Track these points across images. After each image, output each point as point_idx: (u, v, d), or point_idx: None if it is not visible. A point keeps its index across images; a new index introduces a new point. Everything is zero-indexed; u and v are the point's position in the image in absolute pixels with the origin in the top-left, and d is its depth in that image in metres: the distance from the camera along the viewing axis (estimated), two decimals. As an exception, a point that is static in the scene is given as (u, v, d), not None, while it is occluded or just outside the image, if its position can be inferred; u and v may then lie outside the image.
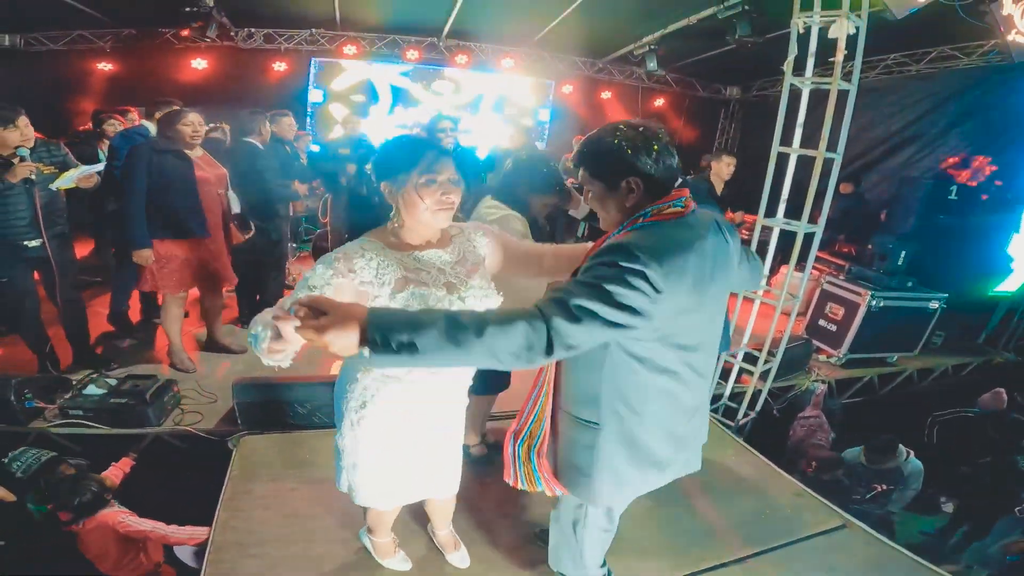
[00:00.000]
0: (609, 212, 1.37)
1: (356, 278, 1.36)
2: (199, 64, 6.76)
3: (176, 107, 3.58)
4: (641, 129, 1.32)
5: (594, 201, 1.40)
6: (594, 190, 1.38)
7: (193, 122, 3.07)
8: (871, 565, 2.31)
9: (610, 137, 1.32)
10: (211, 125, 4.46)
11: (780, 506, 2.64)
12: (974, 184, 5.38)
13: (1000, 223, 5.16)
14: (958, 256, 5.21)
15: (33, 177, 2.82)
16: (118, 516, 2.33)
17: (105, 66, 6.46)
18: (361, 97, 7.77)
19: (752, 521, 2.51)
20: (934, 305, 4.53)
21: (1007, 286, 5.27)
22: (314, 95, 7.56)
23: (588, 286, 1.14)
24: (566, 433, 1.50)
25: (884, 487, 3.44)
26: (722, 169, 4.45)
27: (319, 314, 1.00)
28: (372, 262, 1.39)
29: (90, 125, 5.13)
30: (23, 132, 2.79)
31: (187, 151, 3.09)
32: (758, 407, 3.69)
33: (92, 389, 2.92)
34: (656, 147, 1.30)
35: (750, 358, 3.63)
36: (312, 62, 7.34)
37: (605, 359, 1.33)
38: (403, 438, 1.62)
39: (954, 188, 5.35)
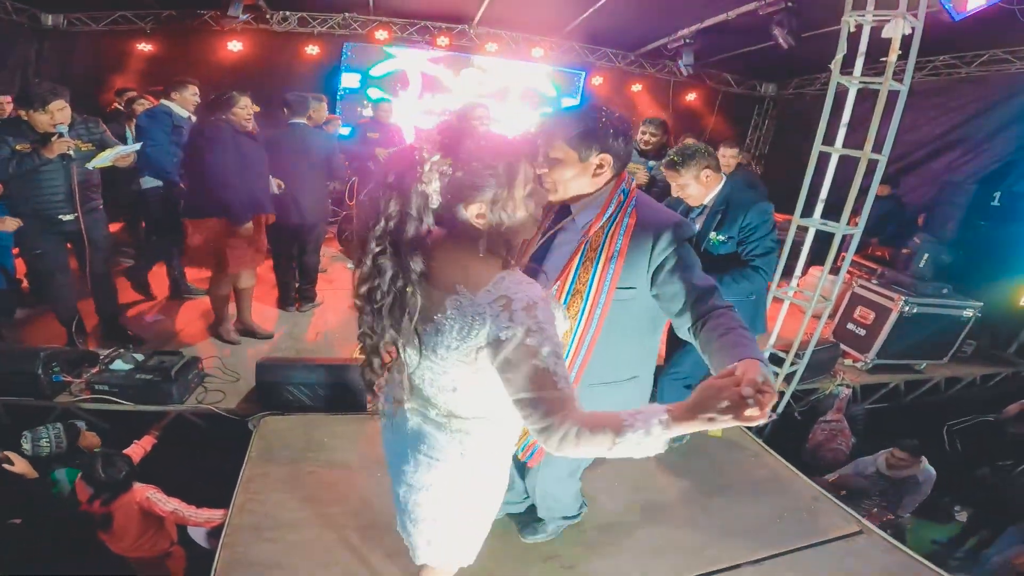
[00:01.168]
0: (570, 182, 1.45)
1: None
2: (235, 46, 6.80)
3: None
4: (618, 115, 1.45)
5: (558, 170, 1.43)
6: (566, 159, 1.43)
7: (246, 106, 3.19)
8: (887, 573, 2.26)
9: (596, 114, 1.42)
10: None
11: (797, 509, 2.59)
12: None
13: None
14: (996, 264, 5.02)
15: (71, 153, 2.89)
16: (146, 492, 2.34)
17: (145, 47, 6.54)
18: (391, 82, 7.75)
19: (768, 523, 2.46)
20: (969, 313, 4.37)
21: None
22: (349, 79, 7.54)
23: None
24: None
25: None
26: (728, 162, 4.29)
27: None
28: None
29: (115, 104, 5.20)
30: (54, 116, 2.84)
31: None
32: (780, 409, 3.61)
33: (119, 364, 2.95)
34: (629, 134, 1.46)
35: (775, 359, 3.54)
36: (345, 46, 7.34)
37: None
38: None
39: (998, 194, 5.13)
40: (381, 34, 7.13)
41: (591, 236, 1.47)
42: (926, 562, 2.29)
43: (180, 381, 2.88)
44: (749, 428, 3.41)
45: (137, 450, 2.60)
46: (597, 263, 1.45)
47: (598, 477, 2.55)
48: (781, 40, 5.02)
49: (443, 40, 7.28)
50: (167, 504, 2.37)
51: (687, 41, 6.42)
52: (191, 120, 3.75)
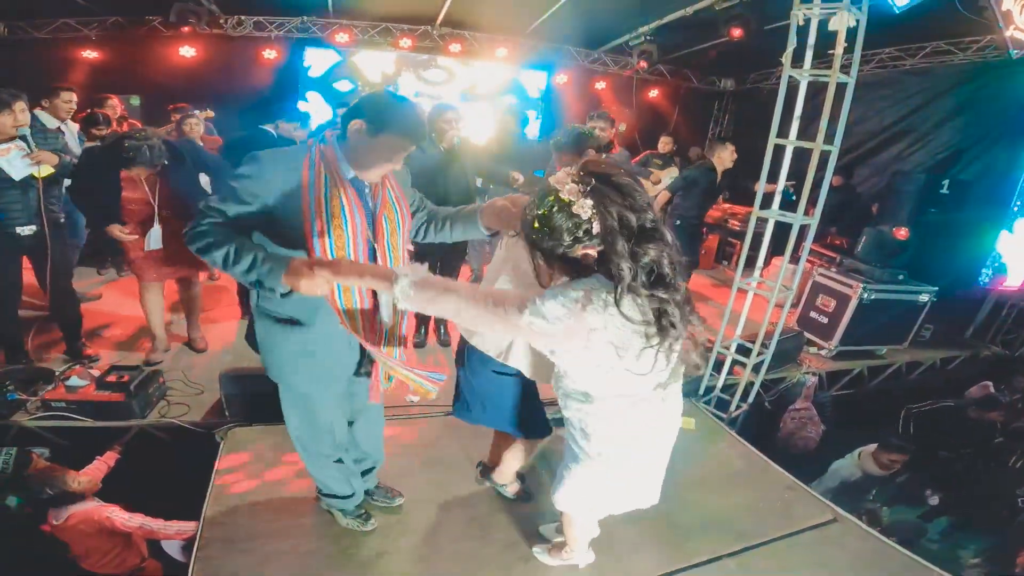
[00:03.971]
0: None
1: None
2: (187, 52, 6.61)
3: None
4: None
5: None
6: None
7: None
8: (863, 559, 2.32)
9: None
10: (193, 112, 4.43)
11: (772, 499, 2.65)
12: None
13: (990, 219, 5.18)
14: (948, 250, 5.25)
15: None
16: (104, 511, 2.31)
17: (90, 54, 6.32)
18: (349, 85, 7.65)
19: (745, 514, 2.51)
20: (924, 298, 4.55)
21: (1009, 284, 5.28)
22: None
23: None
24: None
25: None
26: (725, 158, 4.44)
27: None
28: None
29: None
30: (18, 117, 2.82)
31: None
32: (750, 399, 3.70)
33: (75, 380, 2.85)
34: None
35: (743, 350, 3.63)
36: (304, 50, 7.21)
37: None
38: (630, 463, 1.63)
39: (946, 183, 5.37)
40: (342, 37, 7.03)
41: None
42: (900, 548, 2.37)
43: (140, 395, 2.81)
44: (722, 420, 3.49)
45: (100, 466, 2.54)
46: None
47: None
48: (733, 33, 5.18)
49: (406, 42, 7.22)
50: (131, 520, 2.33)
51: (648, 38, 6.53)
52: (60, 129, 3.66)
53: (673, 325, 1.28)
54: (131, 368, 2.96)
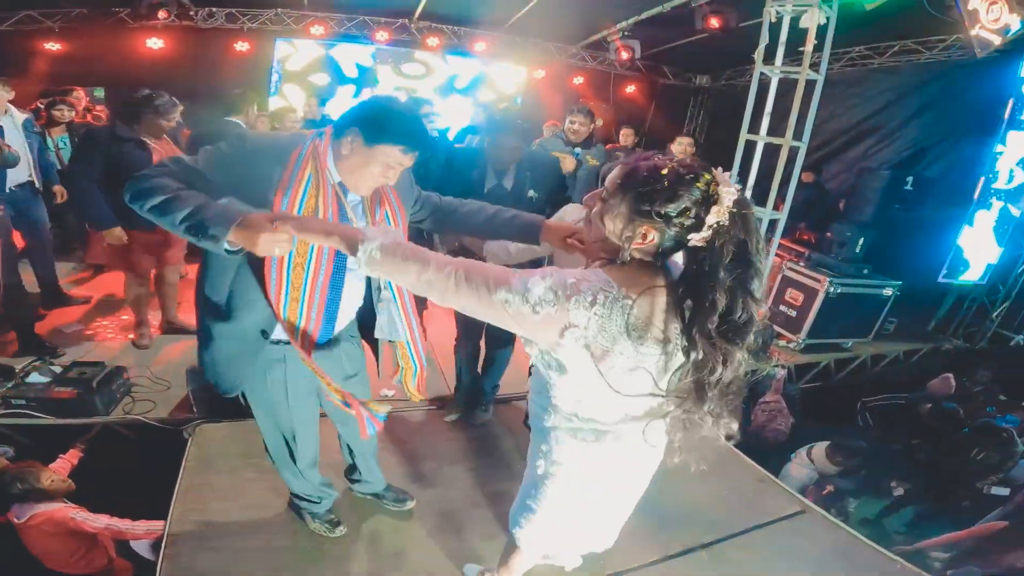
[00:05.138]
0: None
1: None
2: (154, 44, 6.43)
3: None
4: None
5: None
6: None
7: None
8: (831, 550, 2.38)
9: None
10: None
11: (743, 491, 2.70)
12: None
13: (952, 215, 5.34)
14: (911, 245, 5.40)
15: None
16: (68, 512, 2.25)
17: (54, 46, 6.10)
18: (326, 78, 7.52)
19: (717, 506, 2.54)
20: (887, 292, 4.68)
21: (968, 276, 5.44)
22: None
23: None
24: None
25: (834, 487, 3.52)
26: (684, 150, 4.47)
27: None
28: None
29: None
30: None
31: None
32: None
33: (35, 377, 2.77)
34: None
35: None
36: (276, 42, 7.05)
37: None
38: (591, 499, 1.45)
39: (910, 179, 5.51)
40: (317, 29, 6.89)
41: None
42: (865, 539, 2.44)
43: (103, 392, 2.73)
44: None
45: (64, 464, 2.48)
46: None
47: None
48: (710, 23, 5.24)
49: (382, 35, 7.13)
50: (96, 521, 2.27)
51: (626, 34, 6.57)
52: None
53: (707, 390, 1.09)
54: (93, 364, 2.87)
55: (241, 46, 6.83)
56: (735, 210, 1.04)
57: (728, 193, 1.04)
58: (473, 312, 1.14)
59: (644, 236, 1.09)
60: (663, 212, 1.05)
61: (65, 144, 4.43)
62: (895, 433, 4.06)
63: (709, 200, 1.04)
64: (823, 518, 2.58)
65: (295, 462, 1.91)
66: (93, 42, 6.16)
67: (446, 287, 1.13)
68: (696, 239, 1.06)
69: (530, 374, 1.51)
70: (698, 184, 1.04)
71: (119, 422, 2.76)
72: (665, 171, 1.06)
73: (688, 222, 1.05)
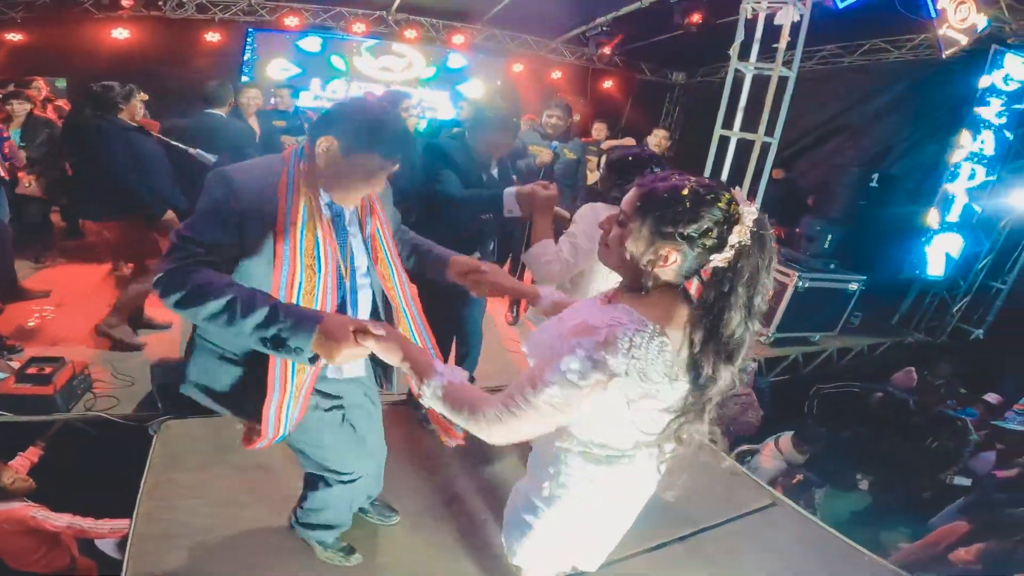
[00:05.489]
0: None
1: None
2: (120, 34, 6.22)
3: None
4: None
5: None
6: None
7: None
8: (801, 543, 2.45)
9: None
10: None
11: (716, 484, 2.73)
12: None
13: (915, 211, 5.49)
14: (876, 241, 5.56)
15: None
16: (28, 511, 2.21)
17: (15, 37, 5.88)
18: (298, 69, 7.36)
19: (690, 499, 2.54)
20: (853, 287, 4.80)
21: (930, 272, 5.58)
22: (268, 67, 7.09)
23: None
24: None
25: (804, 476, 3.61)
26: (659, 143, 4.53)
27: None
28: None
29: None
30: None
31: None
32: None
33: (-8, 374, 2.66)
34: None
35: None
36: (250, 33, 6.87)
37: None
38: (594, 522, 1.45)
39: (875, 176, 5.67)
40: (291, 20, 6.75)
41: None
42: (833, 531, 2.51)
43: (64, 388, 2.64)
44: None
45: (23, 462, 2.42)
46: None
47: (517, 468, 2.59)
48: (692, 18, 5.29)
49: (359, 27, 7.01)
50: (58, 520, 2.24)
51: (604, 29, 6.59)
52: None
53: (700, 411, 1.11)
54: (52, 360, 2.77)
55: (212, 37, 6.65)
56: (755, 229, 1.03)
57: (749, 212, 1.03)
58: (536, 431, 1.10)
59: (666, 259, 1.06)
60: (686, 233, 1.03)
61: (18, 138, 4.23)
62: (843, 422, 4.17)
63: (731, 219, 1.02)
64: (793, 510, 2.65)
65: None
66: (56, 32, 5.99)
67: (497, 426, 1.09)
68: (719, 260, 1.04)
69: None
70: (719, 204, 1.02)
71: (80, 419, 2.68)
72: (685, 191, 1.04)
73: (711, 242, 1.03)
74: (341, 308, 1.51)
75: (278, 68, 7.23)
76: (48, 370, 2.66)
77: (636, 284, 1.12)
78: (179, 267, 1.22)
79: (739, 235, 1.03)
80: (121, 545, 2.24)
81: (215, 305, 1.18)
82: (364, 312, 1.61)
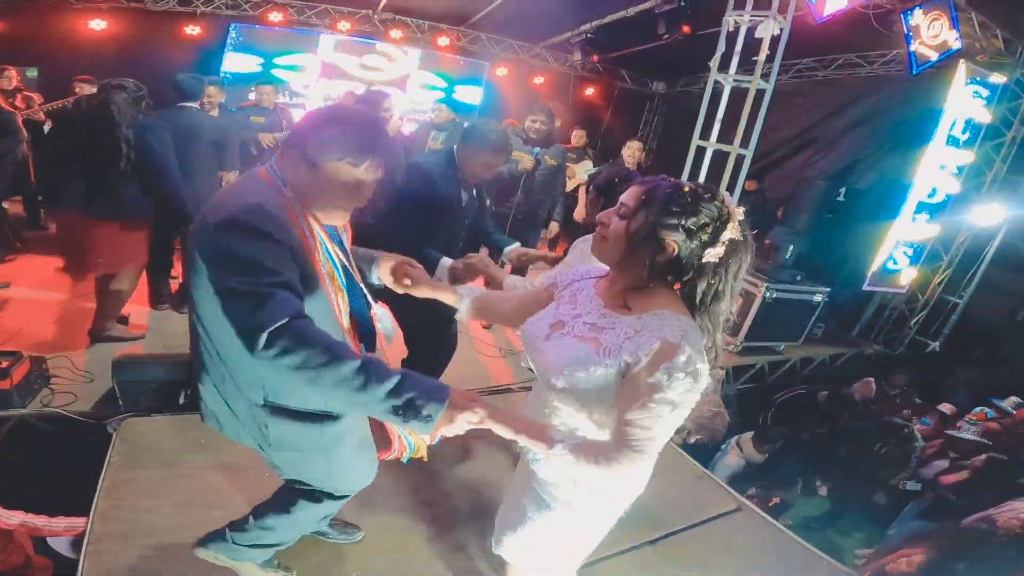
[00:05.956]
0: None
1: None
2: (97, 25, 6.03)
3: None
4: None
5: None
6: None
7: None
8: (765, 547, 2.53)
9: None
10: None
11: (684, 488, 2.79)
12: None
13: (879, 226, 5.61)
14: (840, 254, 5.72)
15: None
16: None
17: None
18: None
19: (660, 503, 2.59)
20: (818, 298, 4.93)
21: (891, 285, 5.78)
22: (244, 61, 6.86)
23: None
24: None
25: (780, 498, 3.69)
26: (633, 154, 4.54)
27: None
28: None
29: None
30: None
31: None
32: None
33: (-57, 367, 2.53)
34: None
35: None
36: (232, 28, 6.71)
37: None
38: (590, 528, 1.50)
39: (843, 190, 5.82)
40: (275, 16, 6.64)
41: None
42: (795, 536, 2.60)
43: (19, 383, 2.54)
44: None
45: None
46: None
47: (495, 467, 2.59)
48: (684, 29, 5.37)
49: (344, 25, 6.92)
50: (11, 518, 2.14)
51: (588, 36, 6.64)
52: None
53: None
54: (9, 353, 2.65)
55: (192, 30, 6.50)
56: (741, 230, 1.14)
57: (738, 213, 1.13)
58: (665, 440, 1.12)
59: (667, 248, 1.13)
60: (686, 224, 1.10)
61: None
62: (800, 424, 4.30)
63: (724, 217, 1.11)
64: (756, 515, 2.73)
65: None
66: (30, 22, 5.80)
67: (640, 462, 1.09)
68: (711, 255, 1.12)
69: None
70: (715, 202, 1.11)
71: (36, 415, 2.59)
72: (686, 189, 1.13)
73: (706, 237, 1.11)
74: (363, 327, 1.49)
75: (247, 63, 7.02)
76: (4, 364, 2.55)
77: (636, 279, 1.16)
78: (296, 322, 1.08)
79: (731, 232, 1.12)
80: (76, 544, 2.17)
81: (347, 369, 1.06)
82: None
